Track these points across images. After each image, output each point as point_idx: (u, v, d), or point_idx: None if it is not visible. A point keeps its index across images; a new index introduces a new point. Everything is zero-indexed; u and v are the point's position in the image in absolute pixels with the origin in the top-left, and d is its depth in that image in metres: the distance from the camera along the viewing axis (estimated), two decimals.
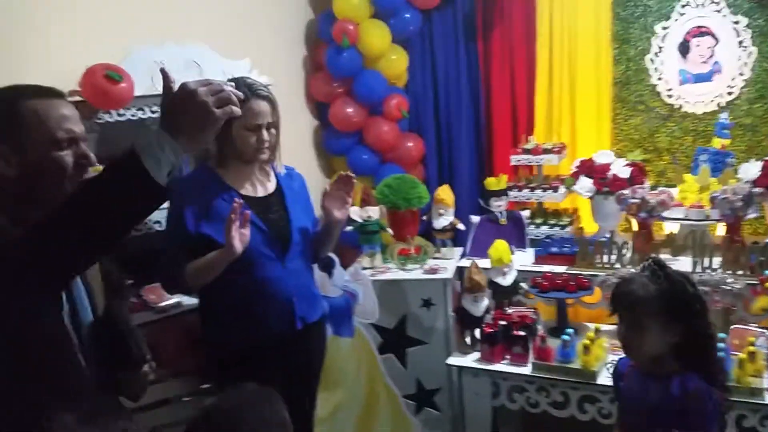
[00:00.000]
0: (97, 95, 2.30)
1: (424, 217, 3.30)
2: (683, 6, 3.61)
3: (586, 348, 2.50)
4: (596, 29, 3.81)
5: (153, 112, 2.53)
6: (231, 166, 2.31)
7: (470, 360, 2.76)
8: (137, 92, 2.44)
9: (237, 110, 1.31)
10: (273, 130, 2.29)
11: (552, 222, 3.31)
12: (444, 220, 3.21)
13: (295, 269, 2.34)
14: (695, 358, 1.82)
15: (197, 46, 2.76)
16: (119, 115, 2.44)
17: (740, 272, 2.68)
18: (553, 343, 2.61)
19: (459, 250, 3.32)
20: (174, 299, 2.84)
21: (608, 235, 3.09)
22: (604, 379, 2.50)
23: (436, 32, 4.14)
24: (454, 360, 2.79)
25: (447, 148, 4.28)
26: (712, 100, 3.61)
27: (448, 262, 3.20)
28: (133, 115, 2.48)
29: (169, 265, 2.24)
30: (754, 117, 3.53)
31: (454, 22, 4.10)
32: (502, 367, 2.68)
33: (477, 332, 2.79)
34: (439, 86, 4.21)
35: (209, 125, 1.28)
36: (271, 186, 2.38)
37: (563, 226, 3.29)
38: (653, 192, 2.91)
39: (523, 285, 2.96)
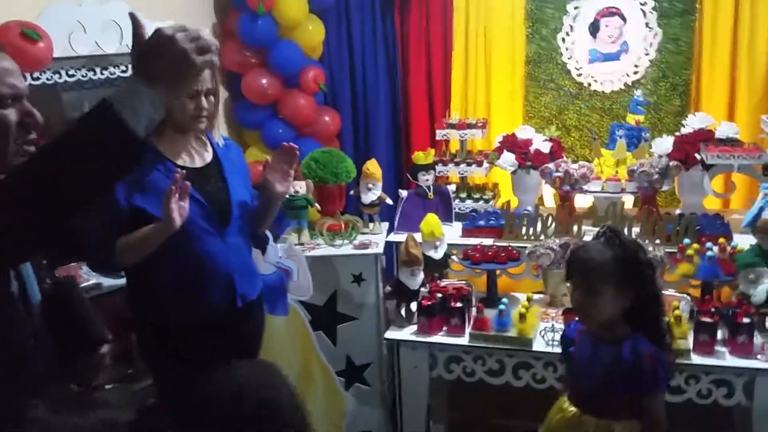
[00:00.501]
0: (13, 55, 2.06)
1: (352, 192, 3.25)
2: None
3: (522, 316, 2.57)
4: (511, 7, 3.90)
5: (70, 76, 2.32)
6: (166, 134, 2.16)
7: (408, 333, 2.76)
8: (54, 53, 2.23)
9: (216, 59, 1.21)
10: (212, 98, 2.17)
11: (477, 196, 3.36)
12: (372, 194, 3.17)
13: (235, 244, 2.23)
14: (645, 322, 1.91)
15: (118, 5, 2.55)
16: (34, 78, 2.22)
17: (657, 241, 2.84)
18: (489, 314, 2.66)
19: (386, 225, 3.30)
20: (93, 280, 2.65)
21: (529, 209, 3.18)
22: (539, 345, 2.57)
23: (352, 3, 4.08)
24: (392, 334, 2.78)
25: (363, 123, 4.25)
26: (619, 79, 3.80)
27: (377, 237, 3.18)
28: (48, 79, 2.28)
29: (98, 242, 2.06)
30: (658, 95, 3.75)
31: None
32: (439, 338, 2.70)
33: (413, 305, 2.79)
34: (356, 60, 4.16)
35: (190, 74, 1.18)
36: (208, 156, 2.25)
37: (487, 200, 3.36)
38: (575, 166, 3.01)
39: (454, 258, 2.99)
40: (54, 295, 1.43)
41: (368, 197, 3.19)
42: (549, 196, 3.40)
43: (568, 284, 1.99)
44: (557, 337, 2.49)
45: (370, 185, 3.17)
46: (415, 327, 2.77)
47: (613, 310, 1.89)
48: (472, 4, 3.94)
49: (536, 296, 2.93)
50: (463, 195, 3.40)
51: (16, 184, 1.14)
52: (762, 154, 2.87)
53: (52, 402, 1.08)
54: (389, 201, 3.21)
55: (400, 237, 3.18)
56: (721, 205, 3.40)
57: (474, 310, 2.66)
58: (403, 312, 2.82)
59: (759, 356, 2.33)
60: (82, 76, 2.40)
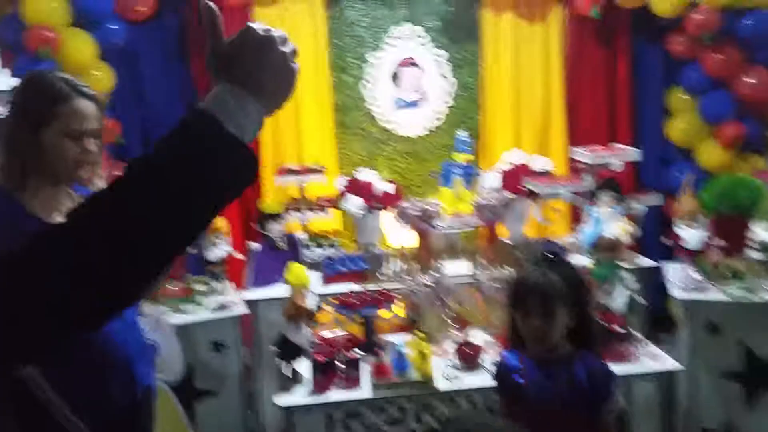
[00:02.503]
0: None
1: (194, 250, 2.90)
2: (393, 38, 3.95)
3: (424, 356, 2.51)
4: (315, 57, 3.91)
5: None
6: (35, 187, 1.71)
7: (301, 396, 2.51)
8: None
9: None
10: (99, 141, 1.78)
11: (325, 243, 3.25)
12: (219, 250, 2.87)
13: (132, 320, 1.84)
14: (585, 339, 1.99)
15: None
16: None
17: (507, 267, 3.02)
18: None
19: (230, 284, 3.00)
20: None
21: (378, 251, 3.17)
22: (440, 383, 2.54)
23: (142, 47, 3.71)
24: (284, 400, 2.50)
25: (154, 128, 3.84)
26: (423, 125, 4.02)
27: (229, 297, 2.88)
28: None
29: None
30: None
31: (162, 38, 3.74)
32: (336, 395, 2.51)
33: (301, 364, 2.56)
34: (150, 108, 3.77)
35: (292, 83, 0.95)
36: None
37: (335, 246, 3.26)
38: (427, 205, 3.09)
39: (326, 308, 2.83)
40: None
41: (215, 253, 2.88)
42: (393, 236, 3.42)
43: (514, 313, 2.00)
44: (453, 372, 2.52)
45: (217, 240, 2.87)
46: (304, 388, 2.54)
47: (563, 331, 1.95)
48: None
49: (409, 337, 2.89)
50: (310, 243, 3.25)
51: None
52: (582, 183, 3.25)
53: None
54: (240, 256, 2.93)
55: (256, 295, 2.93)
56: (538, 232, 3.75)
57: (373, 358, 2.53)
58: (289, 372, 2.57)
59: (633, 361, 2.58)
60: None
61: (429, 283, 2.79)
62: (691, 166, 3.98)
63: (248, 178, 0.91)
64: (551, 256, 1.98)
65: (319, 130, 3.94)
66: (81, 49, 3.33)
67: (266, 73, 0.91)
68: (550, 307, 1.90)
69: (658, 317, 3.48)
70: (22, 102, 1.72)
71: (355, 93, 3.97)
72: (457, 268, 3.06)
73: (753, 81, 3.71)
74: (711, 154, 3.89)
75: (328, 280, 2.97)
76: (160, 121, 3.78)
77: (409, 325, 3.02)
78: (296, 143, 3.91)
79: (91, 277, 0.81)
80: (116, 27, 3.47)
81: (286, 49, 0.93)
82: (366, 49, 3.95)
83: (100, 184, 1.89)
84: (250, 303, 2.90)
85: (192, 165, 0.84)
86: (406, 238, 3.57)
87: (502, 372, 2.10)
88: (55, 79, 1.71)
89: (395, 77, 3.96)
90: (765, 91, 3.73)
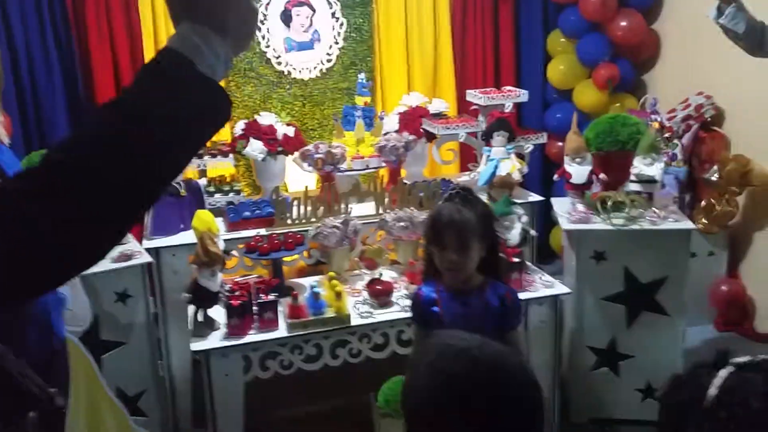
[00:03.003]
0: None
1: None
2: None
3: (339, 294, 2.58)
4: None
5: None
6: None
7: (217, 340, 2.51)
8: None
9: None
10: None
11: (226, 189, 3.19)
12: None
13: None
14: (493, 268, 2.14)
15: None
16: None
17: (410, 208, 3.12)
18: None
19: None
20: None
21: (284, 195, 3.17)
22: (355, 320, 2.62)
23: None
24: (199, 345, 2.49)
25: (36, 129, 3.59)
26: (315, 67, 3.98)
27: (130, 245, 2.79)
28: None
29: None
30: (349, 82, 4.05)
31: None
32: (253, 337, 2.53)
33: (214, 309, 2.55)
34: (21, 60, 3.48)
35: (254, 21, 0.96)
36: None
37: (238, 191, 3.21)
38: (331, 147, 3.11)
39: (234, 252, 2.82)
40: None
41: None
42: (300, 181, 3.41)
43: (431, 248, 2.10)
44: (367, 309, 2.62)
45: None
46: (216, 333, 2.54)
47: (476, 263, 2.08)
48: None
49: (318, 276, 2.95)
50: (211, 189, 3.18)
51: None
52: (476, 124, 3.38)
53: None
54: None
55: (157, 242, 2.86)
56: (430, 173, 3.87)
57: (289, 299, 2.56)
58: (200, 317, 2.56)
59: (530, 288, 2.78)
60: None
61: (337, 225, 2.84)
62: (569, 106, 4.24)
63: (223, 118, 0.91)
64: (464, 193, 2.08)
65: None
66: None
67: (229, 11, 0.90)
68: (465, 242, 2.01)
69: (541, 246, 3.76)
70: None
71: None
72: (362, 209, 3.13)
73: (626, 24, 3.98)
74: (587, 95, 4.16)
75: (232, 226, 2.94)
76: (37, 72, 3.52)
77: (314, 266, 3.09)
78: None
79: (73, 218, 0.80)
80: None
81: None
82: None
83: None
84: (152, 251, 2.83)
85: (169, 107, 0.83)
86: (305, 181, 3.59)
87: (419, 303, 2.20)
88: None
89: (285, 17, 3.87)
90: (636, 34, 4.02)
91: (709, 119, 3.71)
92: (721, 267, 3.76)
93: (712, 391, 0.92)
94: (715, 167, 3.60)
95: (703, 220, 3.58)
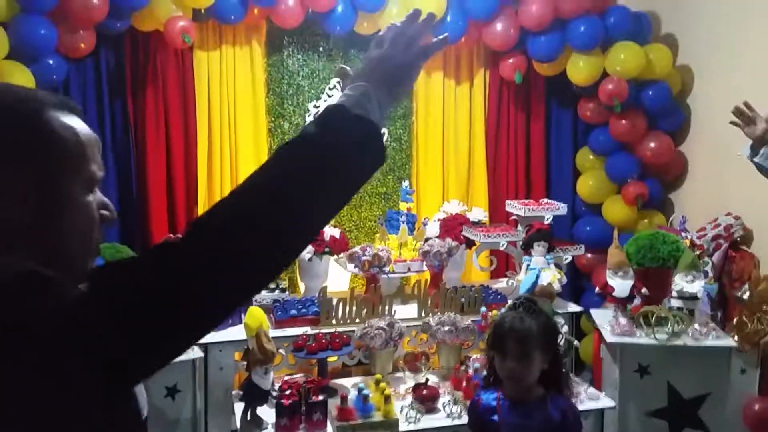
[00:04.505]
0: None
1: None
2: (331, 89, 4.07)
3: (387, 398, 2.59)
4: (253, 101, 3.95)
5: None
6: None
7: None
8: None
9: None
10: None
11: (272, 286, 3.25)
12: None
13: None
14: (555, 381, 2.16)
15: None
16: None
17: (452, 313, 3.17)
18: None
19: None
20: None
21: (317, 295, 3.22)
22: (403, 425, 2.62)
23: (78, 84, 3.60)
24: None
25: None
26: None
27: None
28: None
29: None
30: (387, 187, 4.19)
31: (97, 75, 3.64)
32: None
33: (263, 408, 2.56)
34: None
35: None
36: None
37: (283, 290, 3.27)
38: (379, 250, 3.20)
39: (282, 351, 2.85)
40: None
41: None
42: (335, 281, 3.48)
43: (493, 354, 2.13)
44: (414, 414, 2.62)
45: None
46: None
47: (536, 374, 2.11)
48: (214, 95, 3.86)
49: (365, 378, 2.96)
50: None
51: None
52: (515, 233, 3.48)
53: None
54: None
55: (209, 338, 2.89)
56: (465, 278, 3.94)
57: (338, 400, 2.57)
58: (249, 416, 2.56)
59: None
60: None
61: (383, 326, 2.88)
62: (597, 219, 4.37)
63: (379, 159, 0.98)
64: (528, 303, 2.14)
65: None
66: (20, 82, 3.20)
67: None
68: (527, 351, 2.05)
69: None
70: None
71: None
72: (404, 312, 3.18)
73: (653, 145, 4.17)
74: (616, 210, 4.29)
75: (278, 323, 2.98)
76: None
77: (356, 368, 3.10)
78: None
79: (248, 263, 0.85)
80: (53, 62, 3.34)
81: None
82: (305, 98, 4.05)
83: None
84: (201, 346, 2.86)
85: (342, 143, 0.92)
86: (341, 282, 3.66)
87: (477, 410, 2.21)
88: None
89: None
90: (664, 154, 4.19)
91: (738, 239, 3.81)
92: (753, 385, 3.74)
93: None
94: (746, 286, 3.66)
95: (735, 338, 3.61)
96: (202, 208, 3.81)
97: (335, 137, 0.92)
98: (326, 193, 0.91)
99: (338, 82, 3.77)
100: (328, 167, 0.91)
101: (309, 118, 4.02)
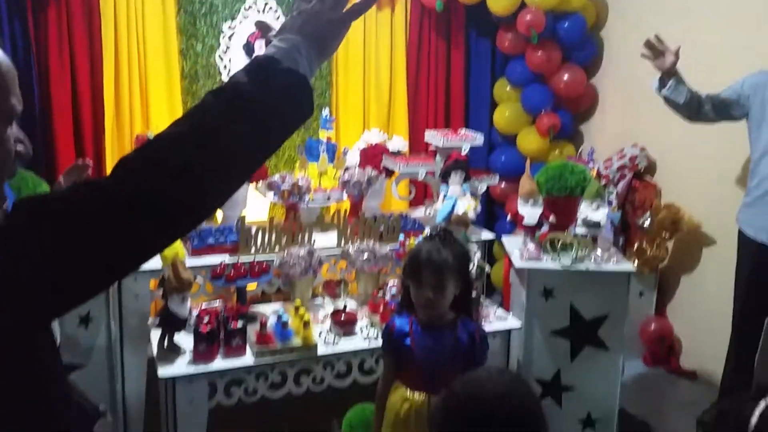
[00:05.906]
0: None
1: None
2: (247, 9, 3.94)
3: (306, 324, 2.65)
4: (162, 21, 3.79)
5: None
6: None
7: (183, 366, 2.52)
8: None
9: None
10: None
11: None
12: None
13: None
14: (464, 306, 2.26)
15: None
16: None
17: (371, 241, 3.23)
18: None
19: None
20: None
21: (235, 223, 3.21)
22: (321, 348, 2.69)
23: None
24: (166, 371, 2.50)
25: None
26: None
27: None
28: None
29: None
30: None
31: None
32: (220, 364, 2.56)
33: (180, 335, 2.57)
34: None
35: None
36: None
37: None
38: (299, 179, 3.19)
39: (199, 278, 2.85)
40: None
41: None
42: (254, 209, 3.46)
43: (408, 283, 2.20)
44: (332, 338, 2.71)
45: None
46: (182, 359, 2.55)
47: (450, 300, 2.20)
48: (121, 11, 3.67)
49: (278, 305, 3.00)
50: None
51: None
52: (434, 163, 3.54)
53: None
54: None
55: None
56: (384, 207, 3.99)
57: (257, 325, 2.61)
58: (166, 343, 2.57)
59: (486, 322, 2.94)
60: None
61: (303, 255, 2.91)
62: (512, 150, 4.49)
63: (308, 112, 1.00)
64: (444, 234, 2.21)
65: (166, 97, 3.84)
66: None
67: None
68: (442, 280, 2.13)
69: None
70: None
71: (206, 61, 3.92)
72: (324, 241, 3.21)
73: (567, 77, 4.28)
74: (530, 141, 4.42)
75: (195, 252, 2.97)
76: None
77: (276, 294, 3.14)
78: (141, 109, 3.79)
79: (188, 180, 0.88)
80: None
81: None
82: (219, 18, 3.90)
83: None
84: None
85: (272, 95, 0.94)
86: (260, 210, 3.66)
87: (392, 335, 2.29)
88: None
89: (248, 49, 3.95)
90: (577, 87, 4.32)
91: (642, 169, 4.02)
92: (650, 307, 4.04)
93: (753, 420, 1.09)
94: (648, 214, 3.89)
95: (636, 263, 3.85)
96: (109, 131, 3.69)
97: (265, 88, 0.93)
98: (254, 143, 0.94)
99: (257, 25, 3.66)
100: (257, 118, 0.93)
101: (223, 41, 3.90)
